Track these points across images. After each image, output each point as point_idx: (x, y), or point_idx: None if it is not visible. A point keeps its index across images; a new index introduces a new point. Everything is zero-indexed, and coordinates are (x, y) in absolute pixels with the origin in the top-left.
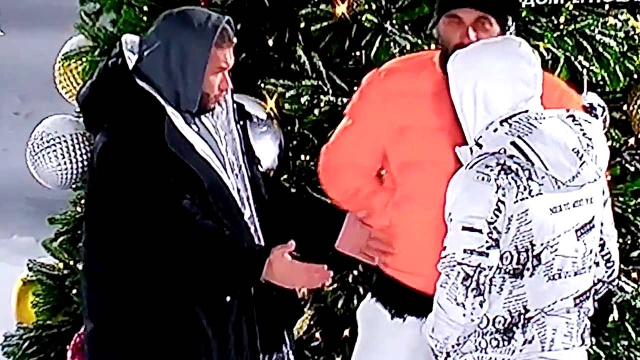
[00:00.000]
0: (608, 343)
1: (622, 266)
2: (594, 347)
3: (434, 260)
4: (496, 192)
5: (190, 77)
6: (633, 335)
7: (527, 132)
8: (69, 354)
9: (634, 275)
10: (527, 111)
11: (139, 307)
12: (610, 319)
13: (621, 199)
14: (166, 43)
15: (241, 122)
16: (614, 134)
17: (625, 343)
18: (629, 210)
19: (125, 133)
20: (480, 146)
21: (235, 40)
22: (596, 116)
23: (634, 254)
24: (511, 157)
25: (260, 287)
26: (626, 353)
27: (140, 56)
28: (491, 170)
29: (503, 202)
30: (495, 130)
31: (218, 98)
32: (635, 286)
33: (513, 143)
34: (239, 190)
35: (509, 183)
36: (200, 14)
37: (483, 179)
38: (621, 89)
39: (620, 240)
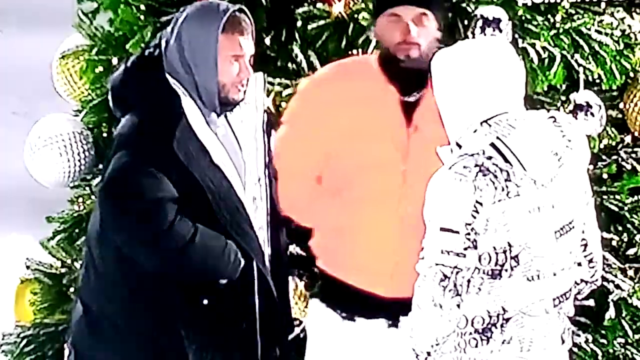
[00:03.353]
0: (605, 341)
1: (618, 264)
2: (591, 345)
3: (390, 260)
4: (474, 193)
5: (203, 65)
6: (630, 332)
7: (506, 133)
8: (66, 352)
9: (631, 273)
10: (507, 112)
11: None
12: (607, 316)
13: (617, 197)
14: (178, 35)
15: (268, 134)
16: (610, 132)
17: (622, 341)
18: (625, 208)
19: (141, 129)
20: (460, 147)
21: (251, 28)
22: (592, 114)
23: (631, 251)
24: (489, 158)
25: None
26: (623, 350)
27: (163, 52)
28: (469, 171)
29: (481, 204)
30: (475, 131)
31: (238, 86)
32: (632, 284)
33: (492, 144)
34: (254, 199)
35: (487, 184)
36: (210, 4)
37: (461, 180)
38: (617, 87)
39: (617, 238)
